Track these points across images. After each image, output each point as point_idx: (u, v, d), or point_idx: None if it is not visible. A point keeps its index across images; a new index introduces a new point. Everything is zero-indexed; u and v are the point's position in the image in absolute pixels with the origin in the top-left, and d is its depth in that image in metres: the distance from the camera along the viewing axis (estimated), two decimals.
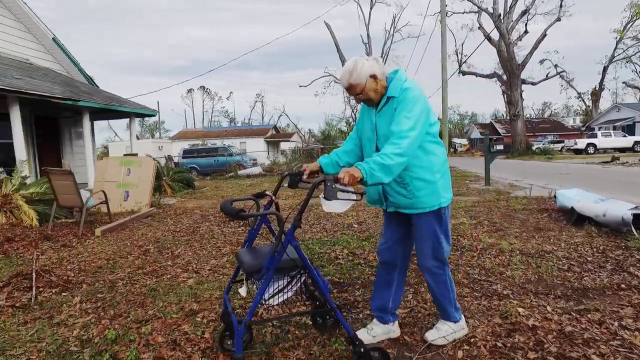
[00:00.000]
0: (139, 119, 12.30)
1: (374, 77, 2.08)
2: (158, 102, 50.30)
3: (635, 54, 35.57)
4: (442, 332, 2.33)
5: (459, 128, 73.74)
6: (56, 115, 11.06)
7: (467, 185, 10.60)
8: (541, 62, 32.83)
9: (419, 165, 2.08)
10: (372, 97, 2.13)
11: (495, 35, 28.06)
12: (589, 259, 3.74)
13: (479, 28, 28.31)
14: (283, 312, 2.80)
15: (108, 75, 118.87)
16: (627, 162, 16.49)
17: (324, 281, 2.08)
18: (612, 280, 3.18)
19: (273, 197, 2.23)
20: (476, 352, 2.21)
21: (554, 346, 2.20)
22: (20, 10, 9.98)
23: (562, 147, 34.26)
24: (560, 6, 27.07)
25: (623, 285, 3.06)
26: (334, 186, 1.86)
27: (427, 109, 2.05)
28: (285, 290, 2.06)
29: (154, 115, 12.73)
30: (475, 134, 52.14)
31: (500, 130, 46.61)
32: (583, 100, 46.70)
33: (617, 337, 2.28)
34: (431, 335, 2.33)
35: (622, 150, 27.37)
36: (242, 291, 2.12)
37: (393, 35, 32.40)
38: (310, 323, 2.59)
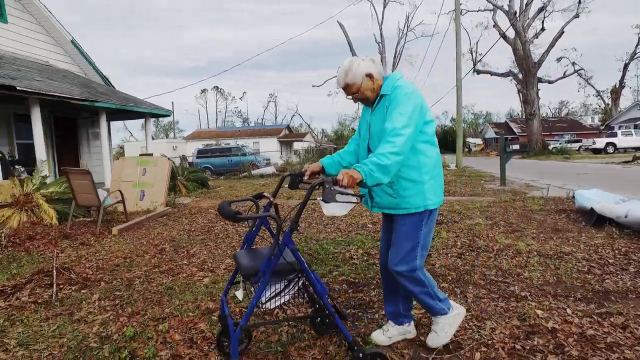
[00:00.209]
0: (153, 119, 12.46)
1: (370, 76, 2.08)
2: (172, 102, 50.87)
3: None
4: (440, 331, 2.25)
5: (473, 127, 72.90)
6: (74, 116, 11.28)
7: (482, 186, 10.47)
8: (558, 60, 32.25)
9: (407, 164, 2.03)
10: (368, 96, 2.13)
11: (510, 33, 27.68)
12: (611, 261, 3.65)
13: (494, 26, 27.93)
14: (286, 315, 2.77)
15: (123, 76, 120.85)
16: None
17: (322, 285, 2.07)
18: (635, 284, 3.10)
19: (272, 199, 2.19)
20: (494, 354, 2.18)
21: (575, 350, 2.16)
22: (41, 14, 10.21)
23: (580, 147, 33.60)
24: (579, 2, 26.54)
25: None
26: (332, 188, 1.82)
27: (420, 106, 2.01)
28: (283, 293, 2.05)
29: (168, 116, 12.89)
30: (490, 133, 51.46)
31: (515, 130, 45.93)
32: (602, 99, 45.69)
33: None
34: (431, 341, 2.26)
35: None
36: (239, 294, 2.11)
37: (406, 34, 32.23)
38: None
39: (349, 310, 2.80)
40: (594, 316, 2.55)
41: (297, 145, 38.24)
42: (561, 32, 26.97)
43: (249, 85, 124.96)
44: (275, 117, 71.68)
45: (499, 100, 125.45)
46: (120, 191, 6.77)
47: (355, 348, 2.00)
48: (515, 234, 4.76)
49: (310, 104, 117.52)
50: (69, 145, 11.43)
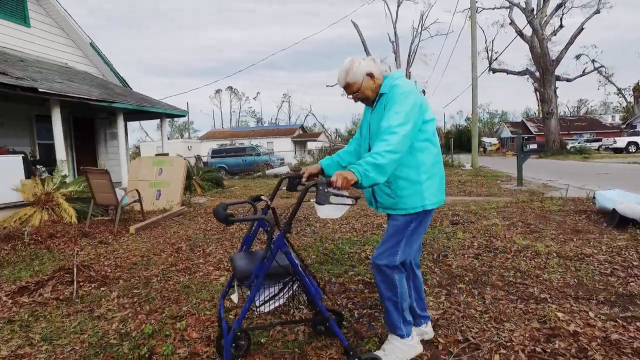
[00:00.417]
0: (169, 119, 12.61)
1: (370, 75, 2.06)
2: (187, 102, 51.63)
3: None
4: (389, 353, 2.11)
5: (489, 127, 71.91)
6: (92, 117, 11.50)
7: (499, 186, 10.32)
8: (577, 57, 31.46)
9: (405, 164, 1.99)
10: (369, 95, 2.11)
11: (527, 31, 27.19)
12: (635, 263, 3.55)
13: (510, 24, 27.49)
14: (281, 318, 2.74)
15: (139, 77, 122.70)
16: None
17: (316, 288, 2.05)
18: None
19: (269, 202, 2.17)
20: (514, 356, 2.15)
21: (599, 354, 2.11)
22: (61, 18, 10.43)
23: (600, 146, 32.83)
24: None
25: None
26: (326, 190, 1.79)
27: (419, 105, 1.97)
28: (277, 297, 2.05)
29: (184, 116, 13.03)
30: (506, 133, 50.68)
31: (532, 129, 45.14)
32: (624, 97, 44.55)
33: None
34: (380, 356, 2.09)
35: None
36: (234, 297, 2.11)
37: (421, 33, 31.94)
38: (344, 323, 2.58)
39: (365, 310, 2.79)
40: (618, 320, 2.49)
41: (310, 145, 38.31)
42: (581, 29, 26.34)
43: (263, 85, 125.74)
44: (289, 117, 71.94)
45: (515, 99, 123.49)
46: (137, 190, 6.87)
47: (351, 353, 1.99)
48: (534, 235, 4.67)
49: (323, 104, 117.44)
50: (88, 146, 11.65)
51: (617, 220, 4.89)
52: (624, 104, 46.75)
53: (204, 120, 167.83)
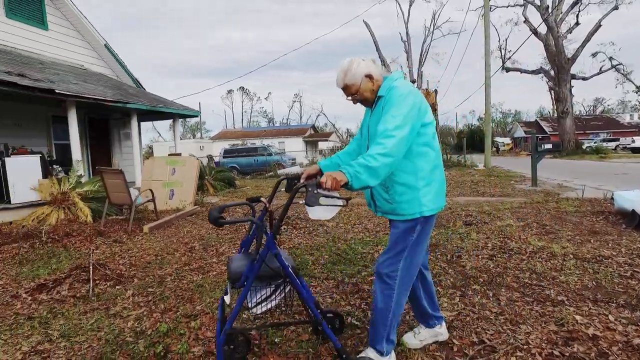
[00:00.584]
0: (181, 119, 12.73)
1: (369, 76, 2.02)
2: (199, 103, 52.11)
3: None
4: None
5: (502, 127, 71.07)
6: (107, 117, 11.67)
7: (513, 186, 10.19)
8: (593, 55, 30.82)
9: (402, 169, 1.94)
10: (367, 97, 2.06)
11: (542, 29, 26.78)
12: None
13: (524, 22, 27.10)
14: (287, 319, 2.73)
15: (152, 78, 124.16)
16: None
17: (307, 290, 2.04)
18: None
19: (267, 205, 2.13)
20: (530, 359, 2.11)
21: (621, 359, 2.06)
22: (77, 20, 10.61)
23: (617, 146, 32.18)
24: None
25: None
26: (316, 191, 1.77)
27: (418, 107, 1.92)
28: (270, 299, 2.04)
29: (196, 116, 13.14)
30: (519, 132, 50.03)
31: (546, 129, 44.47)
32: None
33: None
34: None
35: None
36: (227, 298, 2.11)
37: (433, 32, 31.65)
38: (357, 323, 2.58)
39: None
40: None
41: (322, 145, 38.33)
42: (598, 26, 25.81)
43: (275, 85, 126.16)
44: (300, 117, 72.11)
45: (529, 98, 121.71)
46: (151, 190, 6.95)
47: (344, 356, 1.97)
48: (549, 236, 4.60)
49: (335, 104, 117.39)
50: (102, 146, 11.83)
51: (637, 222, 4.78)
52: None
53: (215, 120, 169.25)
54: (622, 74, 31.45)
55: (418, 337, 2.31)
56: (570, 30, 27.14)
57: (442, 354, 2.23)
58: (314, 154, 30.38)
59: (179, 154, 10.46)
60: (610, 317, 2.52)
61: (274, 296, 2.05)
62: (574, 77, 28.51)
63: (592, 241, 4.32)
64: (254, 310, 2.03)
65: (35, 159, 7.53)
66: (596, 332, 2.32)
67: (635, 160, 19.35)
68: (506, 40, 45.63)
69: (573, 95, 28.68)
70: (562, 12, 26.26)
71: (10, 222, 6.55)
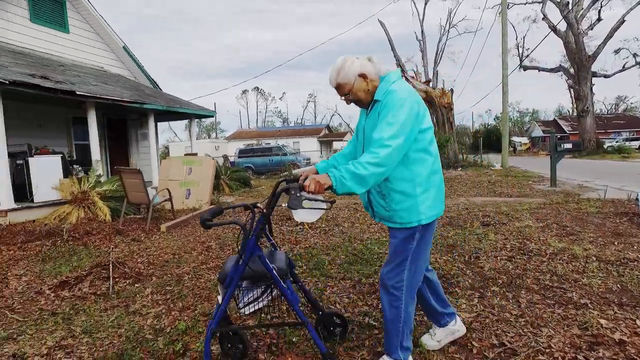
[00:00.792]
0: (197, 119, 12.88)
1: (363, 76, 1.93)
2: (215, 103, 52.67)
3: None
4: None
5: (519, 126, 69.84)
6: (125, 118, 11.88)
7: (531, 186, 10.01)
8: (616, 51, 30.03)
9: (399, 177, 1.88)
10: (361, 97, 1.98)
11: (562, 25, 26.22)
12: None
13: (543, 19, 26.59)
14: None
15: (168, 79, 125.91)
16: None
17: (292, 293, 2.03)
18: None
19: (263, 209, 2.12)
20: None
21: None
22: (97, 23, 10.84)
23: None
24: None
25: None
26: (298, 194, 1.77)
27: (415, 114, 1.84)
28: (259, 300, 2.04)
29: (212, 116, 13.27)
30: (537, 132, 49.10)
31: (565, 128, 43.56)
32: None
33: None
34: None
35: None
36: (219, 298, 2.12)
37: (449, 31, 31.36)
38: (374, 324, 2.56)
39: None
40: None
41: (336, 145, 38.29)
42: (621, 21, 25.07)
43: (290, 85, 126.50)
44: (315, 117, 72.20)
45: (547, 97, 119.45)
46: (168, 190, 7.05)
47: None
48: (570, 238, 4.50)
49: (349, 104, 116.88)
50: (120, 146, 12.05)
51: None
52: None
53: (230, 120, 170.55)
54: None
55: (435, 339, 2.29)
56: (591, 27, 26.50)
57: (461, 356, 2.20)
58: (328, 154, 30.38)
59: (195, 154, 10.58)
60: (638, 322, 2.45)
61: (262, 297, 2.07)
62: (595, 74, 27.84)
63: (615, 243, 4.21)
64: (243, 310, 2.05)
65: (57, 159, 7.71)
66: (623, 337, 2.26)
67: None
68: (524, 38, 44.88)
69: (594, 94, 28.00)
70: (582, 8, 25.67)
71: (33, 220, 6.72)
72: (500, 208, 6.61)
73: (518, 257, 3.91)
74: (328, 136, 41.81)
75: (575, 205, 6.53)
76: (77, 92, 7.36)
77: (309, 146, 35.21)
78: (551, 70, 30.50)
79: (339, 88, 1.99)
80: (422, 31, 29.36)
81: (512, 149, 42.85)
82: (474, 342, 2.32)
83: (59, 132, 9.92)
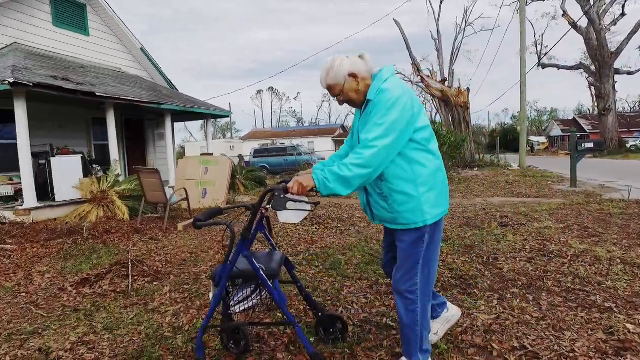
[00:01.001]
0: (212, 120, 13.01)
1: (353, 76, 1.87)
2: (230, 103, 53.08)
3: None
4: None
5: (536, 125, 68.50)
6: (142, 118, 12.08)
7: (550, 187, 9.81)
8: None
9: (400, 177, 1.83)
10: (353, 98, 1.93)
11: (582, 22, 25.60)
12: None
13: (563, 15, 26.01)
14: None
15: (184, 79, 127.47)
16: None
17: (280, 293, 2.03)
18: None
19: (263, 211, 2.10)
20: None
21: None
22: (116, 25, 11.06)
23: None
24: None
25: None
26: (282, 196, 1.78)
27: (408, 113, 1.78)
28: (250, 298, 2.06)
29: (228, 116, 13.40)
30: (556, 131, 48.08)
31: (585, 127, 42.54)
32: None
33: None
34: None
35: None
36: (211, 296, 2.15)
37: (465, 29, 30.92)
38: (392, 324, 2.54)
39: None
40: None
41: None
42: None
43: (304, 85, 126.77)
44: (329, 117, 72.22)
45: (566, 95, 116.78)
46: (185, 189, 7.13)
47: None
48: (592, 240, 4.39)
49: None
50: (138, 146, 12.25)
51: None
52: None
53: (245, 120, 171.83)
54: None
55: (432, 332, 2.24)
56: (614, 22, 25.80)
57: (481, 358, 2.16)
58: None
59: (211, 154, 10.68)
60: None
61: (252, 296, 2.08)
62: (617, 71, 27.11)
63: None
64: (234, 308, 2.08)
65: (77, 159, 7.88)
66: None
67: None
68: (542, 35, 43.82)
69: (616, 91, 27.30)
70: (605, 4, 25.00)
71: (55, 219, 6.89)
72: (519, 209, 6.50)
73: (538, 258, 3.83)
74: (343, 136, 41.71)
75: (597, 206, 6.37)
76: (97, 93, 7.51)
77: (323, 146, 35.22)
78: (571, 68, 29.83)
79: (330, 89, 1.94)
80: (437, 30, 29.05)
81: (529, 148, 42.11)
82: (494, 345, 2.28)
83: (79, 133, 10.14)
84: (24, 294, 3.56)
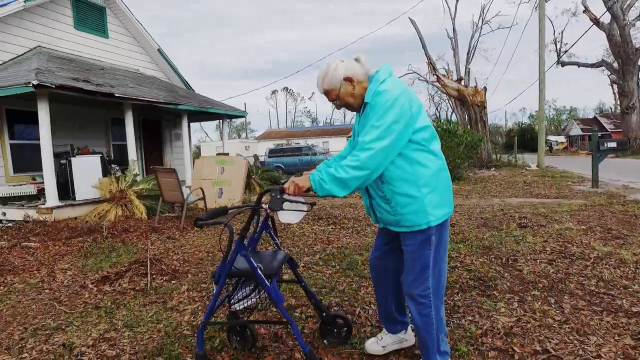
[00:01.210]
0: (228, 120, 13.11)
1: (349, 80, 1.87)
2: (245, 103, 53.62)
3: None
4: None
5: (555, 124, 67.13)
6: (159, 118, 12.24)
7: (570, 187, 9.60)
8: None
9: (401, 178, 1.80)
10: (349, 102, 1.92)
11: (605, 18, 24.93)
12: None
13: (584, 12, 25.39)
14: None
15: (199, 80, 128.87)
16: None
17: (276, 292, 2.02)
18: None
19: (268, 211, 2.10)
20: None
21: None
22: (134, 27, 11.24)
23: None
24: None
25: None
26: (278, 197, 1.81)
27: (407, 113, 1.75)
28: (249, 297, 2.09)
29: (243, 117, 13.48)
30: (576, 130, 47.06)
31: (606, 126, 41.50)
32: None
33: None
34: None
35: None
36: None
37: (481, 27, 30.53)
38: (412, 325, 2.51)
39: None
40: None
41: None
42: None
43: None
44: (344, 117, 71.92)
45: (586, 94, 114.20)
46: (201, 189, 7.19)
47: None
48: (617, 242, 4.27)
49: None
50: (155, 146, 12.42)
51: None
52: None
53: (260, 120, 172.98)
54: None
55: (380, 343, 2.22)
56: (639, 17, 25.07)
57: None
58: None
59: (227, 154, 10.76)
60: None
61: (251, 295, 2.10)
62: None
63: None
64: (234, 306, 2.10)
65: (96, 159, 8.04)
66: None
67: None
68: (562, 32, 42.86)
69: None
70: None
71: (75, 218, 7.03)
72: (538, 209, 6.37)
73: (559, 260, 3.75)
74: None
75: (621, 207, 6.20)
76: (116, 94, 7.64)
77: (338, 146, 35.16)
78: (592, 65, 29.13)
79: (326, 94, 1.95)
80: (453, 28, 28.72)
81: (547, 148, 41.31)
82: (515, 348, 2.24)
83: (98, 133, 10.33)
84: (47, 291, 3.64)
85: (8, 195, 7.55)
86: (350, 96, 1.91)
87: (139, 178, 8.35)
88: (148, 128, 11.95)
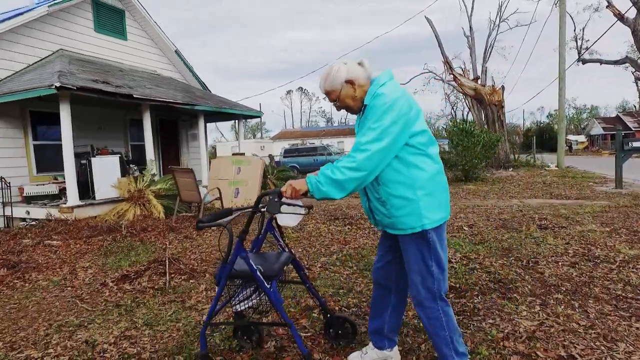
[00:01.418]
0: (243, 120, 13.19)
1: (350, 82, 1.88)
2: (260, 104, 53.89)
3: None
4: None
5: (575, 123, 65.65)
6: (176, 119, 12.40)
7: (592, 188, 9.37)
8: None
9: (397, 181, 1.80)
10: (349, 104, 1.93)
11: (630, 13, 24.18)
12: None
13: (607, 7, 24.71)
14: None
15: (214, 80, 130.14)
16: None
17: (275, 293, 2.01)
18: None
19: (271, 214, 2.08)
20: None
21: None
22: (152, 29, 11.41)
23: None
24: None
25: None
26: (276, 200, 1.82)
27: (403, 117, 1.75)
28: (250, 298, 2.10)
29: (259, 117, 13.55)
30: (597, 129, 45.94)
31: (630, 125, 40.43)
32: None
33: None
34: None
35: None
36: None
37: (499, 25, 29.99)
38: None
39: None
40: None
41: None
42: None
43: None
44: None
45: (607, 92, 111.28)
46: (218, 188, 7.25)
47: None
48: None
49: None
50: (172, 146, 12.58)
51: None
52: None
53: (275, 120, 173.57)
54: None
55: (364, 358, 2.16)
56: None
57: None
58: None
59: (243, 154, 10.83)
60: None
61: (252, 296, 2.11)
62: None
63: None
64: (236, 307, 2.11)
65: (115, 159, 8.18)
66: None
67: None
68: (583, 29, 41.80)
69: None
70: None
71: (95, 217, 7.17)
72: (559, 210, 6.23)
73: (582, 263, 3.66)
74: None
75: None
76: (134, 95, 7.76)
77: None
78: (615, 62, 28.28)
79: (328, 95, 1.97)
80: (470, 26, 28.29)
81: (567, 147, 40.43)
82: (538, 353, 2.19)
83: (117, 134, 10.52)
84: (69, 288, 3.72)
85: (32, 195, 7.74)
86: (350, 99, 1.93)
87: (156, 178, 8.47)
88: (165, 128, 12.12)
